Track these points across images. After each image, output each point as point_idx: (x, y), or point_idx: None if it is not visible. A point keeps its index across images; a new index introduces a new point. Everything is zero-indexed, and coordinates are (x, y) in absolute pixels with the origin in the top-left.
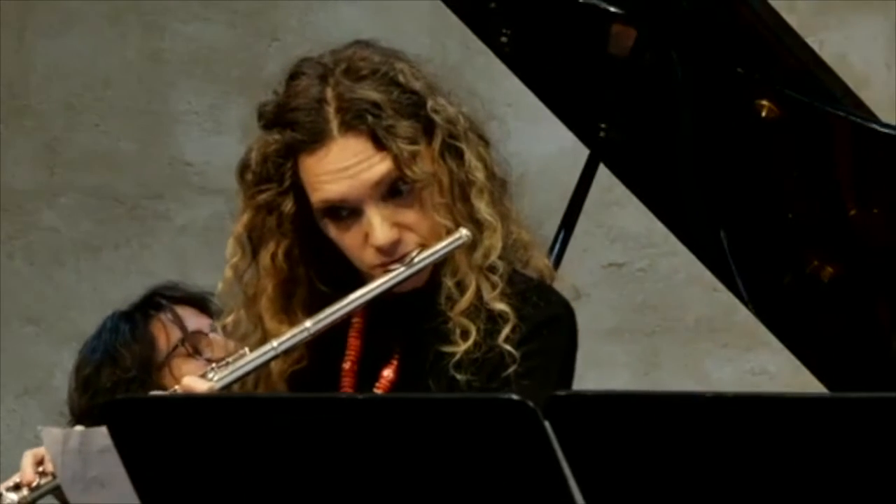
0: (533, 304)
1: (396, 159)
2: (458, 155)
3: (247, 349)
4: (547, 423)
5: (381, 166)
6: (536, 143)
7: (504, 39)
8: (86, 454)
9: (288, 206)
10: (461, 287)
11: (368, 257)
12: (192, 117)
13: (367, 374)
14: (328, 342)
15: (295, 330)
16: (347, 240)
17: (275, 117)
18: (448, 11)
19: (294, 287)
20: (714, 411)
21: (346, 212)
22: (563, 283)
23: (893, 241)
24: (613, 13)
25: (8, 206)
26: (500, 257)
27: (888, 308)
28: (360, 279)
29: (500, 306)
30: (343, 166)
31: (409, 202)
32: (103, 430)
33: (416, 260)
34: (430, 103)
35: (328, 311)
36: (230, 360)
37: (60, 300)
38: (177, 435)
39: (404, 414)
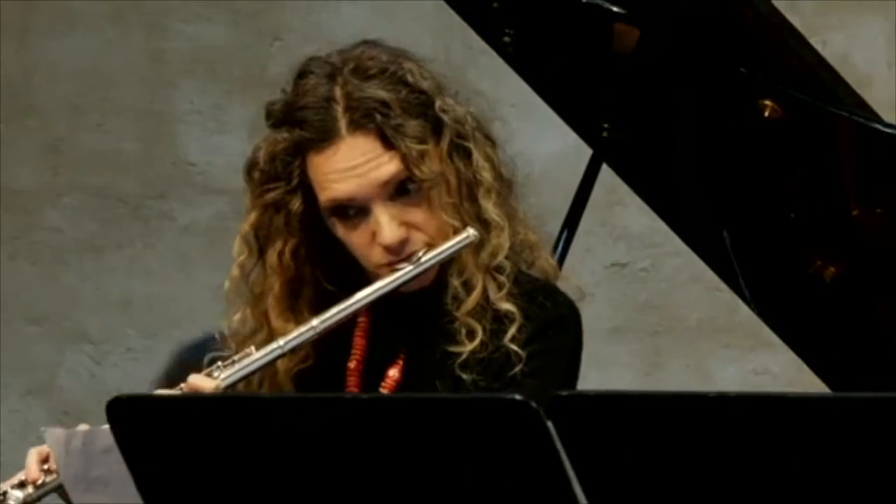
0: (539, 304)
1: (405, 158)
2: (466, 155)
3: (253, 348)
4: (549, 424)
5: (389, 165)
6: (539, 144)
7: (507, 39)
8: (89, 454)
9: (296, 204)
10: (468, 287)
11: (375, 256)
12: (194, 117)
13: (373, 373)
14: (333, 341)
15: (301, 328)
16: (355, 238)
17: (283, 116)
18: (451, 11)
19: (301, 286)
20: (717, 411)
21: (354, 210)
22: (569, 283)
23: None
24: (616, 13)
25: (11, 206)
26: (506, 257)
27: (891, 308)
28: (366, 278)
29: (507, 306)
30: (351, 165)
31: (417, 201)
32: (106, 429)
33: (423, 259)
34: (438, 103)
35: (335, 309)
36: (236, 358)
37: (63, 300)
38: (179, 434)
39: (407, 414)
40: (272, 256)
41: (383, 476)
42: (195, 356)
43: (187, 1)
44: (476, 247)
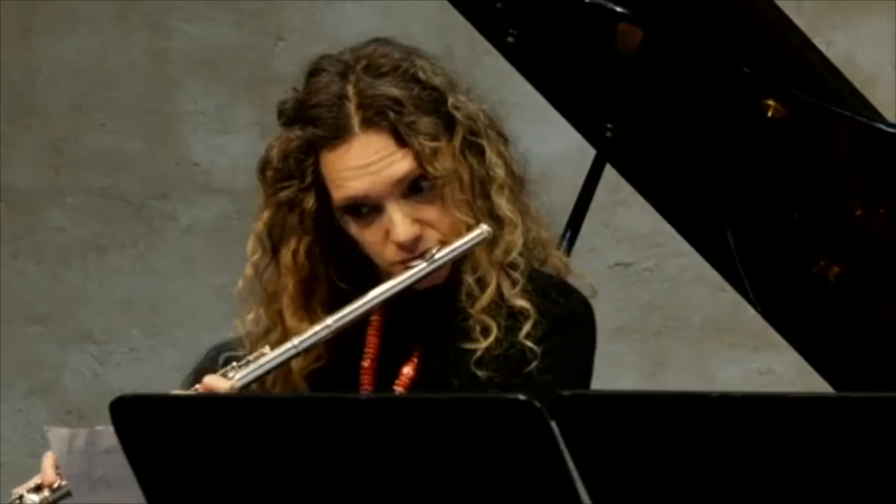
0: (553, 300)
1: (418, 156)
2: (479, 152)
3: (267, 347)
4: (553, 423)
5: (402, 163)
6: (543, 144)
7: (510, 39)
8: (92, 454)
9: (309, 202)
10: (482, 284)
11: (389, 254)
12: (198, 117)
13: (387, 371)
14: (346, 340)
15: (316, 327)
16: (368, 236)
17: (295, 114)
18: (454, 11)
19: (314, 285)
20: (720, 411)
21: (367, 208)
22: (580, 280)
23: None
24: (620, 13)
25: (14, 205)
26: (519, 254)
27: (894, 308)
28: (379, 276)
29: (521, 303)
30: (365, 163)
31: (430, 199)
32: (110, 429)
33: (436, 256)
34: (450, 100)
35: (349, 308)
36: (251, 358)
37: (67, 300)
38: (182, 434)
39: (411, 414)
40: (286, 255)
41: (386, 475)
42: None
43: (190, 1)
44: (490, 243)
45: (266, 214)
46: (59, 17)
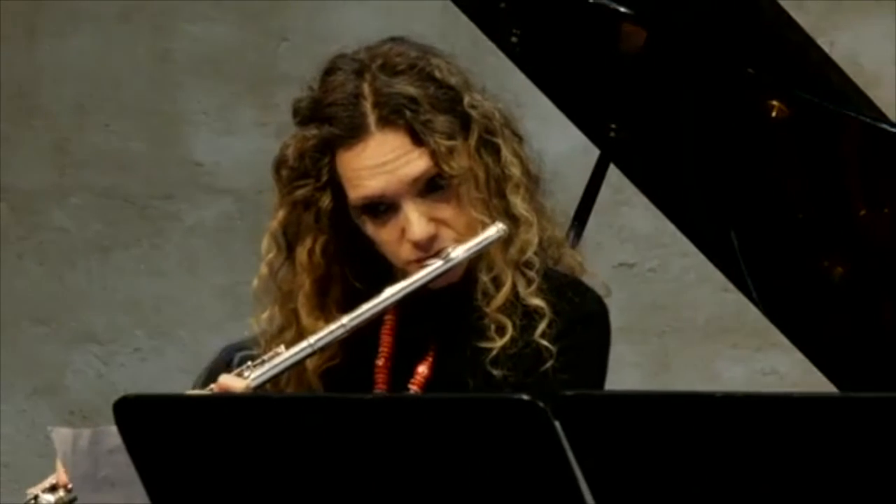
0: (568, 299)
1: (434, 155)
2: (495, 150)
3: (282, 346)
4: (557, 424)
5: (419, 162)
6: (546, 144)
7: (514, 39)
8: (96, 454)
9: (325, 201)
10: (497, 282)
11: (405, 252)
12: (201, 117)
13: (401, 370)
14: (361, 339)
15: (332, 326)
16: (384, 235)
17: (311, 113)
18: (458, 11)
19: (330, 283)
20: (724, 411)
21: (384, 207)
22: (594, 279)
23: None
24: (624, 13)
25: (17, 206)
26: (534, 253)
27: None
28: (394, 275)
29: (536, 302)
30: (381, 161)
31: (447, 197)
32: (113, 429)
33: (452, 255)
34: (466, 98)
35: (365, 307)
36: (265, 357)
37: (70, 300)
38: (186, 434)
39: (415, 414)
40: (302, 254)
41: (390, 475)
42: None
43: (194, 1)
44: (505, 242)
45: (281, 213)
46: (63, 18)
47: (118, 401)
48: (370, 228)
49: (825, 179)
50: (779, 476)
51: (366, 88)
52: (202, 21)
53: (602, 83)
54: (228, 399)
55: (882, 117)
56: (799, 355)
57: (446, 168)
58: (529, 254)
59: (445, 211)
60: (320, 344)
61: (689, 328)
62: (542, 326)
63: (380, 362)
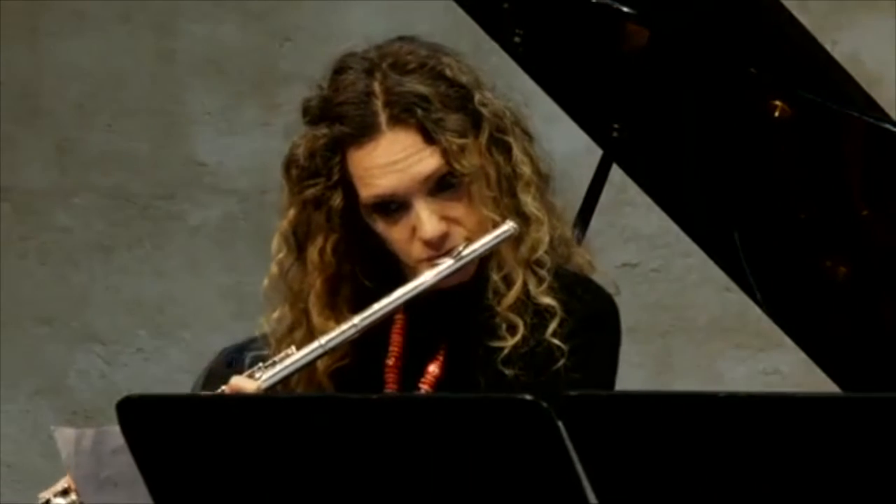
0: (579, 298)
1: (445, 153)
2: (506, 149)
3: (293, 347)
4: (560, 423)
5: (431, 160)
6: (549, 144)
7: (517, 40)
8: (99, 454)
9: (336, 200)
10: (508, 281)
11: (416, 251)
12: (204, 117)
13: (412, 369)
14: (371, 338)
15: (343, 326)
16: (395, 234)
17: (321, 112)
18: (461, 11)
19: (340, 283)
20: (727, 411)
21: (395, 206)
22: (604, 278)
23: None
24: (627, 13)
25: (20, 206)
26: (545, 252)
27: None
28: (405, 274)
29: (547, 300)
30: (392, 160)
31: (458, 196)
32: (116, 429)
33: (463, 253)
34: (477, 97)
35: (376, 306)
36: (277, 358)
37: (73, 300)
38: (189, 434)
39: (419, 414)
40: (313, 253)
41: (394, 476)
42: (240, 358)
43: (197, 1)
44: (516, 241)
45: (291, 213)
46: (65, 18)
47: (121, 401)
48: (381, 227)
49: (828, 179)
50: (782, 476)
51: (377, 87)
52: (205, 21)
53: (605, 83)
54: (231, 399)
55: (885, 117)
56: (802, 355)
57: (457, 166)
58: (540, 252)
59: (456, 209)
60: (331, 345)
61: (691, 328)
62: (553, 325)
63: (390, 362)
